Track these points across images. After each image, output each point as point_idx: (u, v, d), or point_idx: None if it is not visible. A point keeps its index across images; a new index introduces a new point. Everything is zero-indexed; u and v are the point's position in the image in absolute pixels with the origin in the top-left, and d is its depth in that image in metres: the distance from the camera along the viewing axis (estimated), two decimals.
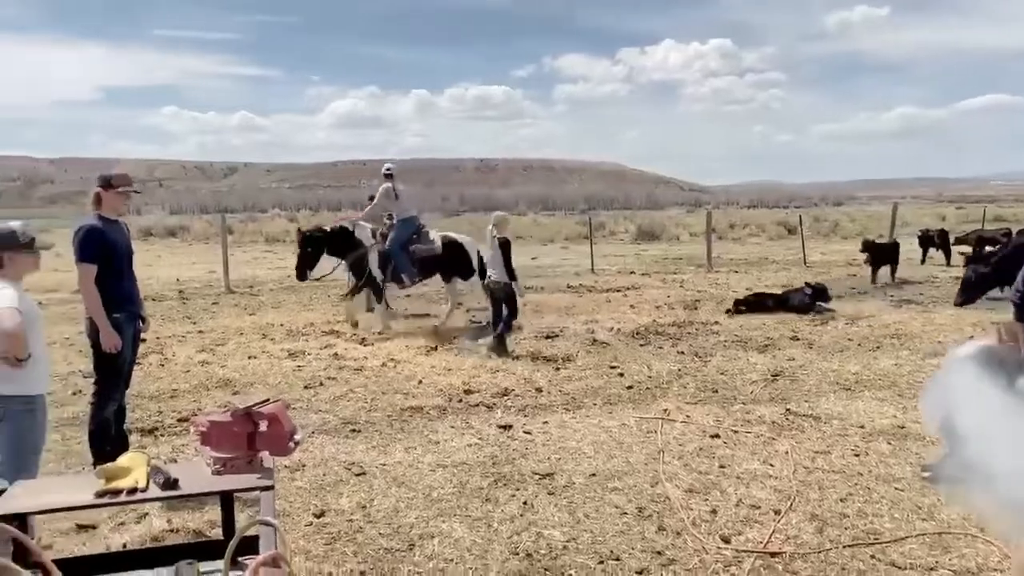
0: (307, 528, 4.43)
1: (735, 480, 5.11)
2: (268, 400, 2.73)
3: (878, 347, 9.34)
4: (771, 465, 5.38)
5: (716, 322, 11.19)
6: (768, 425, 6.31)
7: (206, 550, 2.67)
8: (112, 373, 5.17)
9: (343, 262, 10.91)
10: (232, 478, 2.56)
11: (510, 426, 6.34)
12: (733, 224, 38.59)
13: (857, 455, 5.58)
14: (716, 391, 7.46)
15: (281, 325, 11.34)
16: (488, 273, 9.54)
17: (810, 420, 6.44)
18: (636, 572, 3.89)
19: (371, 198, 11.28)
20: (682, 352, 9.23)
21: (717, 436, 6.01)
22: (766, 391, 7.43)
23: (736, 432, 6.13)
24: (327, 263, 10.89)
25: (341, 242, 10.82)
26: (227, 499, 2.69)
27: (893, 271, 16.09)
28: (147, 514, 4.54)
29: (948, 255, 18.90)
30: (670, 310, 12.37)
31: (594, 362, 8.74)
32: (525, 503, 4.74)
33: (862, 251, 16.42)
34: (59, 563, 2.25)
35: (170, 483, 2.47)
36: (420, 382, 7.91)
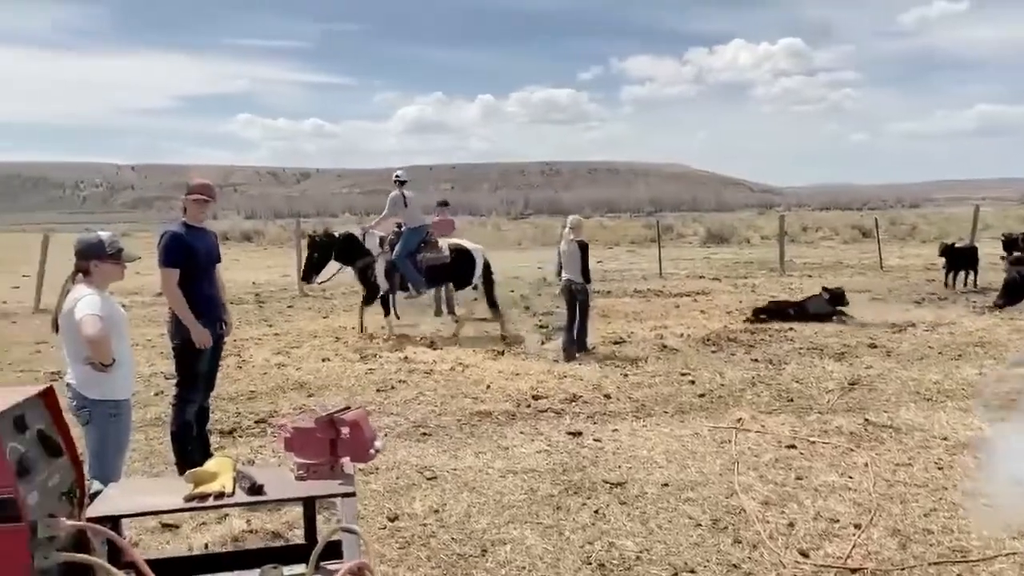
0: (381, 532, 4.49)
1: (813, 492, 4.98)
2: (349, 407, 2.77)
3: (960, 355, 9.01)
4: (850, 477, 5.24)
5: (790, 328, 10.94)
6: (846, 436, 6.14)
7: (288, 554, 2.73)
8: (191, 375, 5.31)
9: (343, 267, 10.86)
10: (315, 484, 2.62)
11: (580, 433, 6.31)
12: (805, 227, 37.71)
13: (940, 468, 5.39)
14: (791, 400, 7.30)
15: (353, 328, 11.53)
16: (564, 275, 9.63)
17: (890, 431, 6.25)
18: None
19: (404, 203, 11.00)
20: (756, 359, 9.06)
21: (793, 447, 5.88)
22: (843, 400, 7.24)
23: (813, 443, 5.98)
24: (333, 268, 10.86)
25: (348, 249, 10.78)
26: (309, 504, 2.74)
27: (973, 276, 15.48)
28: (227, 515, 4.66)
29: None
30: (742, 316, 12.14)
31: (664, 369, 8.65)
32: (597, 512, 4.71)
33: (940, 255, 15.86)
34: (147, 563, 2.33)
35: (255, 489, 2.54)
36: (488, 387, 7.94)
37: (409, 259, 10.65)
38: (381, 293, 10.79)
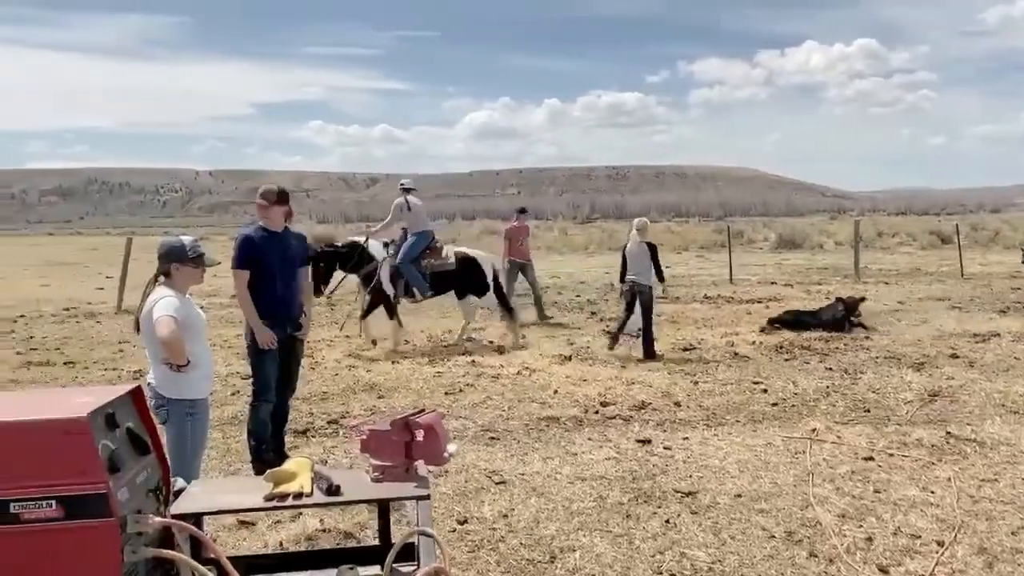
0: (451, 535, 4.51)
1: (892, 507, 4.82)
2: (424, 410, 2.80)
3: None
4: (932, 492, 5.05)
5: (866, 336, 10.64)
6: (927, 449, 5.93)
7: (361, 555, 2.77)
8: (261, 375, 5.46)
9: (347, 276, 10.71)
10: (390, 486, 2.65)
11: (649, 441, 6.24)
12: (881, 232, 36.68)
13: None
14: (868, 410, 7.09)
15: (421, 331, 11.65)
16: (630, 276, 9.64)
17: (974, 445, 6.01)
18: None
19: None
20: (830, 368, 8.83)
21: (871, 459, 5.70)
22: (923, 412, 7.00)
23: (892, 455, 5.79)
24: (338, 276, 10.71)
25: (352, 257, 10.61)
26: (384, 506, 2.78)
27: None
28: (301, 514, 4.75)
29: None
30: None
31: (735, 377, 8.50)
32: (667, 521, 4.65)
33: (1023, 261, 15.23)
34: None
35: (333, 489, 2.58)
36: (555, 392, 7.93)
37: (414, 265, 10.46)
38: (389, 298, 10.62)
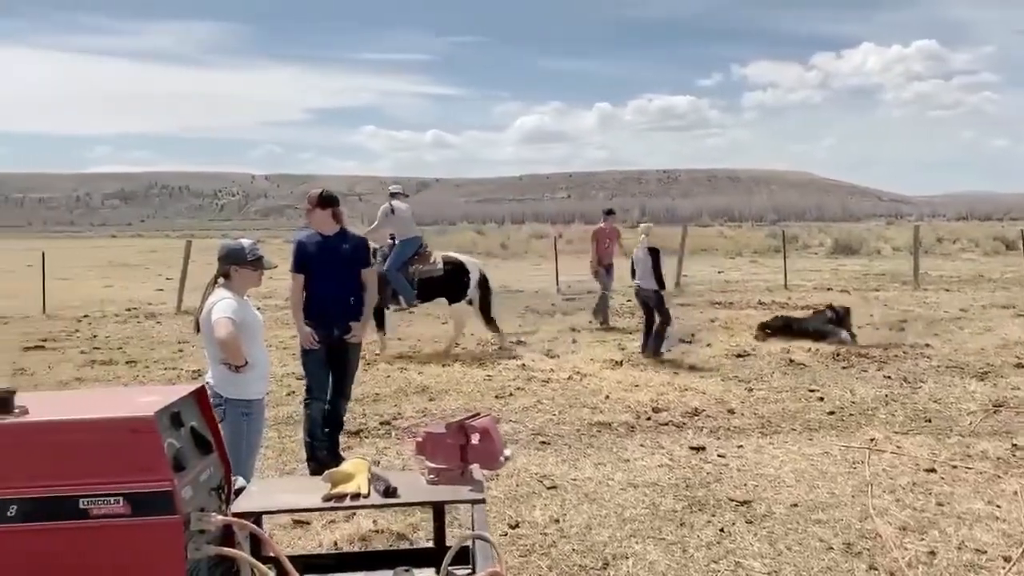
0: (502, 539, 4.50)
1: (956, 520, 4.68)
2: (479, 413, 2.81)
3: None
4: (997, 506, 4.89)
5: (927, 344, 10.37)
6: (992, 461, 5.74)
7: (415, 557, 2.78)
8: (309, 374, 5.62)
9: None
10: (446, 489, 2.66)
11: (703, 448, 6.16)
12: (940, 238, 35.77)
13: None
14: (929, 420, 6.90)
15: (472, 335, 11.69)
16: (635, 281, 9.76)
17: None
18: None
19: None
20: (889, 376, 8.62)
21: (933, 470, 5.55)
22: (987, 423, 6.79)
23: (955, 467, 5.63)
24: None
25: None
26: (439, 509, 2.79)
27: None
28: (355, 514, 4.80)
29: None
30: (874, 331, 11.55)
31: (791, 384, 8.35)
32: (722, 530, 4.58)
33: None
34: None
35: (390, 491, 2.60)
36: (607, 397, 7.88)
37: (401, 271, 10.25)
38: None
